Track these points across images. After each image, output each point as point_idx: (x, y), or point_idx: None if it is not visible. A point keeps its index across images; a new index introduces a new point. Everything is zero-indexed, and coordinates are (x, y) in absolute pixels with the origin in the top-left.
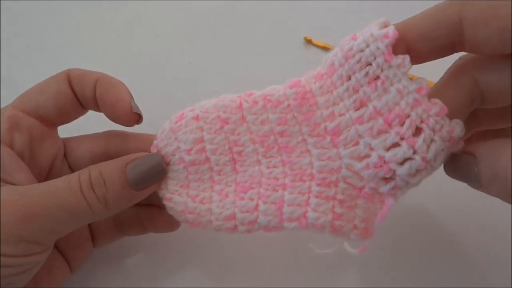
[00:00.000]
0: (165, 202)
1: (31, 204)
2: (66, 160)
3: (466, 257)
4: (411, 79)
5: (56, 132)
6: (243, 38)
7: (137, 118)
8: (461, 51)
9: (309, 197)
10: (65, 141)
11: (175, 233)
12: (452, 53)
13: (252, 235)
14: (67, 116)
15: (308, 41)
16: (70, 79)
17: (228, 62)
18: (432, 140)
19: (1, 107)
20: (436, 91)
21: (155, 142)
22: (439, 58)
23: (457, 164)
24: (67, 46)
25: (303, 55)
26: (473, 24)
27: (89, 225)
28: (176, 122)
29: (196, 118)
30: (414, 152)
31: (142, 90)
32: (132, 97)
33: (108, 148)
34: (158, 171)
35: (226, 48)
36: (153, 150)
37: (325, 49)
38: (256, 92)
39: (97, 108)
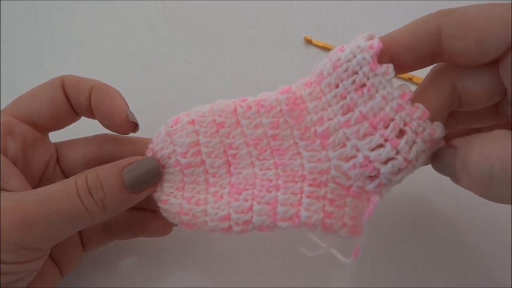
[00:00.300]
0: (160, 204)
1: (28, 211)
2: (58, 165)
3: (465, 257)
4: (411, 79)
5: (48, 137)
6: (243, 38)
7: (133, 127)
8: (440, 61)
9: (301, 197)
10: (57, 145)
11: (170, 235)
12: (433, 63)
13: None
14: (60, 123)
15: (308, 41)
16: (64, 86)
17: (228, 62)
18: (414, 142)
19: (1, 106)
20: (418, 95)
21: (150, 145)
22: (421, 68)
23: (441, 157)
24: (67, 46)
25: (303, 55)
26: (451, 36)
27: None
28: (172, 126)
29: (192, 122)
30: (397, 153)
31: (142, 90)
32: (128, 106)
33: (101, 152)
34: (155, 174)
35: (226, 48)
36: (149, 153)
37: (325, 49)
38: (249, 98)
39: (91, 116)
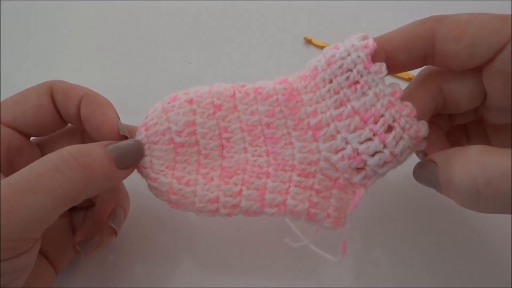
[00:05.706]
0: (149, 182)
1: (3, 199)
2: None
3: (465, 257)
4: (410, 79)
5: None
6: (243, 38)
7: (123, 140)
8: (430, 63)
9: (289, 186)
10: (40, 143)
11: (168, 235)
12: (424, 65)
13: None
14: (45, 130)
15: (308, 41)
16: (53, 93)
17: (228, 62)
18: (401, 138)
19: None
20: (407, 94)
21: (144, 120)
22: (412, 69)
23: (423, 171)
24: (67, 46)
25: (303, 55)
26: (444, 39)
27: (72, 224)
28: (168, 103)
29: (190, 101)
30: (384, 146)
31: (142, 90)
32: (119, 118)
33: (84, 142)
34: (138, 152)
35: (226, 48)
36: (141, 128)
37: None
38: (248, 84)
39: (80, 124)
